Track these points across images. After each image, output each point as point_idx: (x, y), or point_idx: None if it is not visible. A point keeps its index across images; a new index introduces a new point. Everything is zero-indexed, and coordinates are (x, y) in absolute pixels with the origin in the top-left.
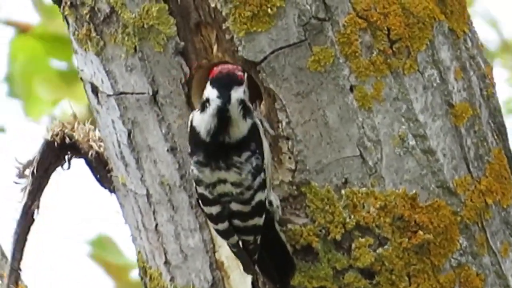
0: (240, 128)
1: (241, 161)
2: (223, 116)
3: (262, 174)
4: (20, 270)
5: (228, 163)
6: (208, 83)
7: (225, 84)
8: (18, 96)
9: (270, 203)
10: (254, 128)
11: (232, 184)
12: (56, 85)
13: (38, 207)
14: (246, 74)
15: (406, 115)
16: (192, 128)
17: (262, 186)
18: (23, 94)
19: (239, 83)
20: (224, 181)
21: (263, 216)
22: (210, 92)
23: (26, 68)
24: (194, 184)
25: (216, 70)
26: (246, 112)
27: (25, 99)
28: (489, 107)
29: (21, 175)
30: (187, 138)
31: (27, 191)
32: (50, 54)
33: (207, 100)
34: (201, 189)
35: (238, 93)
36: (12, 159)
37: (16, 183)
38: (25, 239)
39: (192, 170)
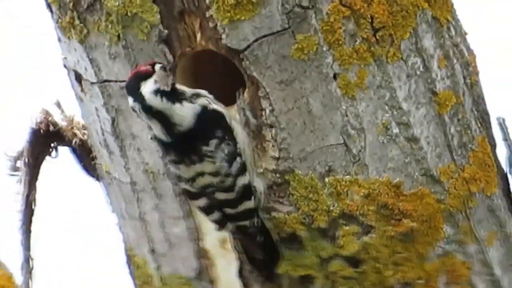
0: (180, 113)
1: (210, 149)
2: (154, 113)
3: (239, 159)
4: (32, 258)
5: (199, 155)
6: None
7: (133, 87)
8: None
9: (255, 189)
10: (210, 113)
11: (210, 174)
12: None
13: (35, 197)
14: (159, 65)
15: (390, 103)
16: (156, 137)
17: (241, 170)
18: None
19: (146, 77)
20: (202, 174)
21: (252, 199)
22: (129, 102)
23: None
24: (177, 181)
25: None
26: (175, 97)
27: None
28: (473, 95)
29: (14, 167)
30: None
31: (23, 182)
32: None
33: (133, 110)
34: (183, 185)
35: (147, 87)
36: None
37: (12, 175)
38: (30, 230)
39: (169, 168)
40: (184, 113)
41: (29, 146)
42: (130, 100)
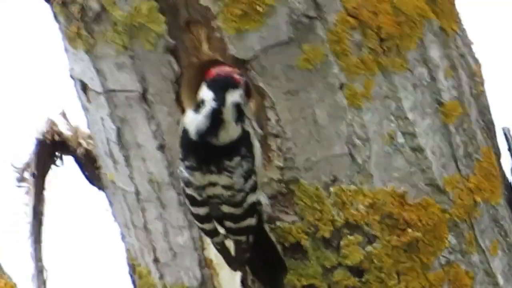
0: (230, 132)
1: (232, 165)
2: (217, 118)
3: (253, 176)
4: (45, 270)
5: (219, 167)
6: (205, 84)
7: (221, 87)
8: None
9: (259, 202)
10: (244, 135)
11: (223, 187)
12: None
13: (43, 208)
14: (244, 79)
15: (396, 113)
16: (183, 128)
17: (254, 188)
18: None
19: (236, 86)
20: (214, 184)
21: (255, 217)
22: (206, 94)
23: None
24: (182, 185)
25: (214, 72)
26: (241, 116)
27: None
28: (479, 105)
29: (21, 178)
30: (177, 138)
31: (32, 192)
32: None
33: (202, 101)
34: (190, 191)
35: (234, 97)
36: (8, 164)
37: (19, 186)
38: (40, 240)
39: (182, 172)
40: (232, 133)
41: (35, 156)
42: (209, 94)
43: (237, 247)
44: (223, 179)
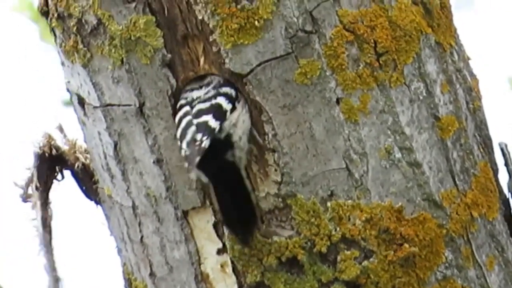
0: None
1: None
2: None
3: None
4: (61, 279)
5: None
6: None
7: None
8: None
9: (240, 139)
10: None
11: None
12: None
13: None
14: None
15: (392, 127)
16: None
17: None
18: None
19: None
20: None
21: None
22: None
23: None
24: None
25: None
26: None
27: None
28: (475, 120)
29: (25, 194)
30: (174, 151)
31: (38, 206)
32: None
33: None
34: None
35: None
36: (11, 183)
37: (24, 201)
38: (52, 251)
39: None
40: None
41: (37, 171)
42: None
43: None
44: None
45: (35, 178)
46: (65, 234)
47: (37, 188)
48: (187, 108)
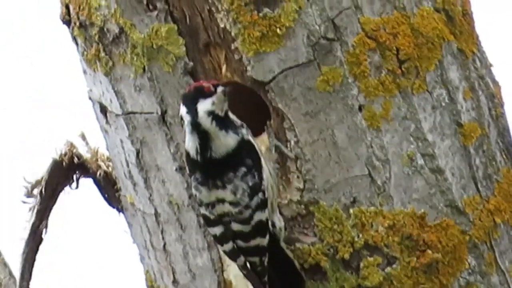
0: (222, 140)
1: (236, 175)
2: (199, 130)
3: (261, 194)
4: None
5: (223, 180)
6: (181, 102)
7: (191, 99)
8: None
9: (273, 224)
10: (245, 144)
11: (230, 203)
12: None
13: (46, 227)
14: (221, 88)
15: (415, 134)
16: (186, 150)
17: (261, 206)
18: None
19: (206, 95)
20: (222, 201)
21: (267, 237)
22: (181, 110)
23: None
24: (197, 205)
25: (187, 88)
26: (224, 124)
27: None
28: (498, 126)
29: (29, 194)
30: None
31: (35, 210)
32: None
33: (181, 119)
34: (203, 210)
35: (204, 105)
36: (20, 178)
37: (24, 202)
38: (34, 259)
39: (193, 190)
40: (226, 142)
41: (48, 176)
42: (183, 109)
43: (253, 270)
44: (228, 195)
45: (43, 183)
46: (87, 241)
47: (41, 193)
48: (220, 229)
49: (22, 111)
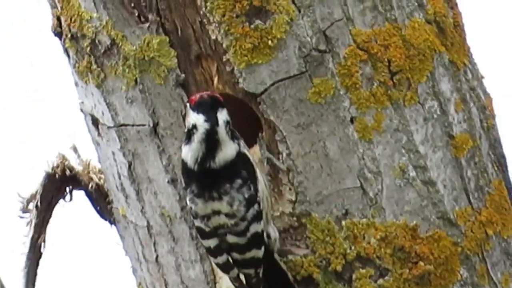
0: (228, 150)
1: (233, 187)
2: (212, 139)
3: (256, 206)
4: None
5: (220, 191)
6: (191, 110)
7: (209, 107)
8: None
9: (268, 235)
10: (242, 156)
11: (226, 215)
12: None
13: (44, 240)
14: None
15: (407, 146)
16: (182, 160)
17: (257, 217)
18: None
19: (223, 105)
20: (218, 213)
21: (262, 249)
22: (196, 118)
23: None
24: (192, 218)
25: (196, 97)
26: (233, 134)
27: None
28: (489, 138)
29: (25, 209)
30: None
31: (32, 224)
32: None
33: (194, 127)
34: (197, 222)
35: (223, 115)
36: (14, 194)
37: (21, 217)
38: (35, 273)
39: (187, 203)
40: (229, 153)
41: (42, 189)
42: (200, 117)
43: (248, 282)
44: (224, 207)
45: (38, 196)
46: (79, 254)
47: (37, 207)
48: (215, 241)
49: (22, 111)
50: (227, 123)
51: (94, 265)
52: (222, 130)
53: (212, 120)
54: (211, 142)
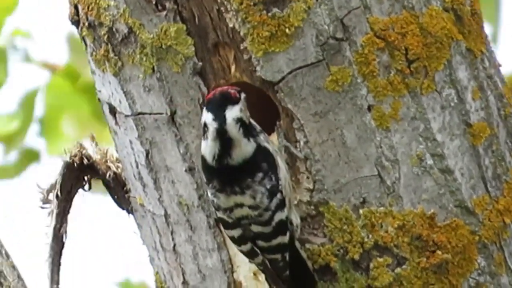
0: (242, 148)
1: (254, 181)
2: (224, 137)
3: (279, 195)
4: None
5: (242, 186)
6: (204, 107)
7: (219, 105)
8: (44, 135)
9: (291, 222)
10: (261, 151)
11: (249, 207)
12: (84, 122)
13: (66, 230)
14: (243, 94)
15: (424, 134)
16: (202, 156)
17: (280, 206)
18: (48, 133)
19: (234, 102)
20: (241, 205)
21: (287, 234)
22: (206, 116)
23: (53, 107)
24: (213, 209)
25: (210, 93)
26: (249, 131)
27: (49, 138)
28: (507, 126)
29: (45, 200)
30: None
31: (54, 214)
32: (79, 92)
33: (205, 125)
34: (220, 214)
35: (233, 112)
36: (34, 185)
37: (42, 207)
38: (59, 263)
39: (209, 196)
40: (245, 150)
41: (61, 179)
42: (209, 116)
43: (274, 266)
44: (247, 200)
45: (58, 186)
46: (97, 243)
47: (57, 197)
48: (239, 231)
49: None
50: (238, 120)
51: (112, 254)
52: (231, 129)
53: (220, 119)
54: (224, 140)
